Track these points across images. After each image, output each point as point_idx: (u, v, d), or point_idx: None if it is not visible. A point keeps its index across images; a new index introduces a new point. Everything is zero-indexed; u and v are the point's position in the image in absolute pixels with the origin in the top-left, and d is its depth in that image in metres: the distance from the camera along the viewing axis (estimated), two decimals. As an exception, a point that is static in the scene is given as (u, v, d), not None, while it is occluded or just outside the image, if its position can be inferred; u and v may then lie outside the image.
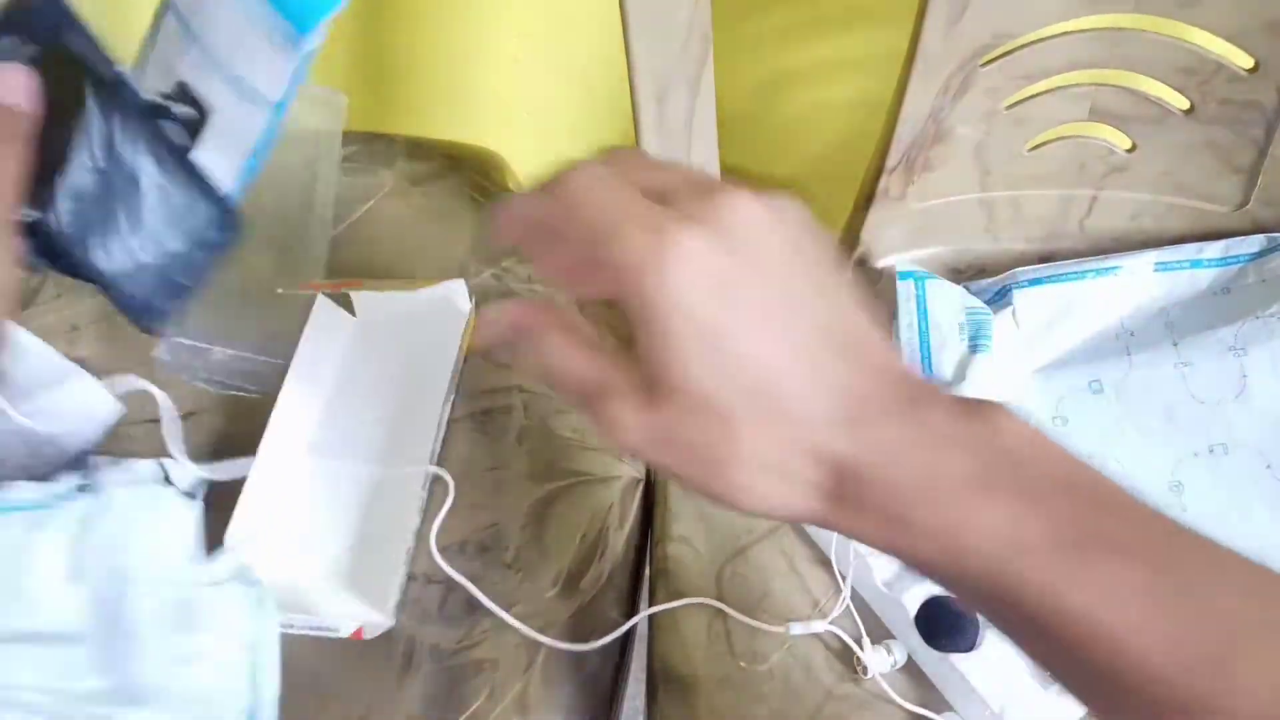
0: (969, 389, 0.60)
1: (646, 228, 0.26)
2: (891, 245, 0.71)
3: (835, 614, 0.53)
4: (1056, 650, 0.25)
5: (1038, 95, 0.64)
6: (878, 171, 0.67)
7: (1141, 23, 0.60)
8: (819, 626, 0.52)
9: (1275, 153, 0.63)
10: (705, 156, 0.58)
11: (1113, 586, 0.24)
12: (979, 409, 0.27)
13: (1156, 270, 0.64)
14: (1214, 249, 0.63)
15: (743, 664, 0.53)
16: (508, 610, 0.52)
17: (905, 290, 0.65)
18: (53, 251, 0.30)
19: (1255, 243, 0.63)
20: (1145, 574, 0.24)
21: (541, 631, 0.52)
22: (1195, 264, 0.63)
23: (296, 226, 0.64)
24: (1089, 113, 0.64)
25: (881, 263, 0.71)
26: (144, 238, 0.33)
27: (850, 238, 0.72)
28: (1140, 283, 0.64)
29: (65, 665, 0.40)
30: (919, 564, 0.27)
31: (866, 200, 0.69)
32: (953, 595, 0.28)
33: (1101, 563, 0.24)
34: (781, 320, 0.27)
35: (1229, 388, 0.59)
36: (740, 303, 0.26)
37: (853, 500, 0.27)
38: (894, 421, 0.27)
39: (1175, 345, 0.61)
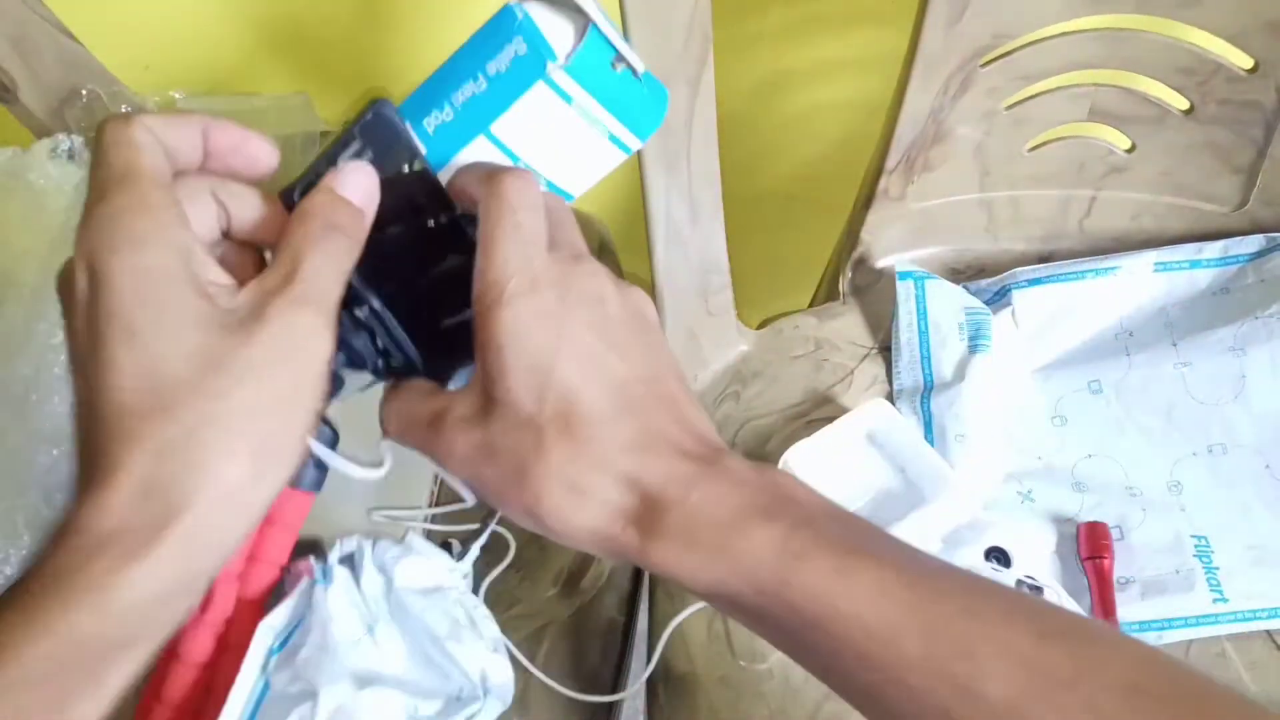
0: (969, 389, 0.60)
1: (523, 258, 0.31)
2: (891, 245, 0.71)
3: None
4: (833, 655, 0.28)
5: (1037, 95, 0.64)
6: (878, 171, 0.67)
7: (1141, 23, 0.60)
8: None
9: (1274, 153, 0.63)
10: (705, 156, 0.58)
11: (876, 591, 0.27)
12: (764, 465, 0.31)
13: (1156, 270, 0.64)
14: (1213, 249, 0.63)
15: (743, 663, 0.53)
16: (509, 609, 0.52)
17: (905, 290, 0.65)
18: (374, 342, 0.34)
19: (1254, 243, 0.63)
20: (901, 581, 0.27)
21: (542, 630, 0.52)
22: (1194, 264, 0.64)
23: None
24: (1088, 113, 0.64)
25: (881, 263, 0.71)
26: (453, 325, 0.35)
27: (850, 238, 0.72)
28: (1140, 283, 0.64)
29: (409, 697, 0.42)
30: (710, 587, 0.29)
31: (866, 200, 0.69)
32: (742, 621, 0.31)
33: (865, 571, 0.27)
34: (607, 365, 0.31)
35: (1228, 388, 0.59)
36: (573, 343, 0.30)
37: (651, 525, 0.29)
38: (692, 460, 0.30)
39: (1174, 345, 0.61)
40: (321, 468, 0.37)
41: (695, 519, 0.29)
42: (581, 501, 0.30)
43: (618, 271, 0.73)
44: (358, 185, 0.32)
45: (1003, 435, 0.61)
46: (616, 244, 0.64)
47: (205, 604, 0.39)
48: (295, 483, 0.37)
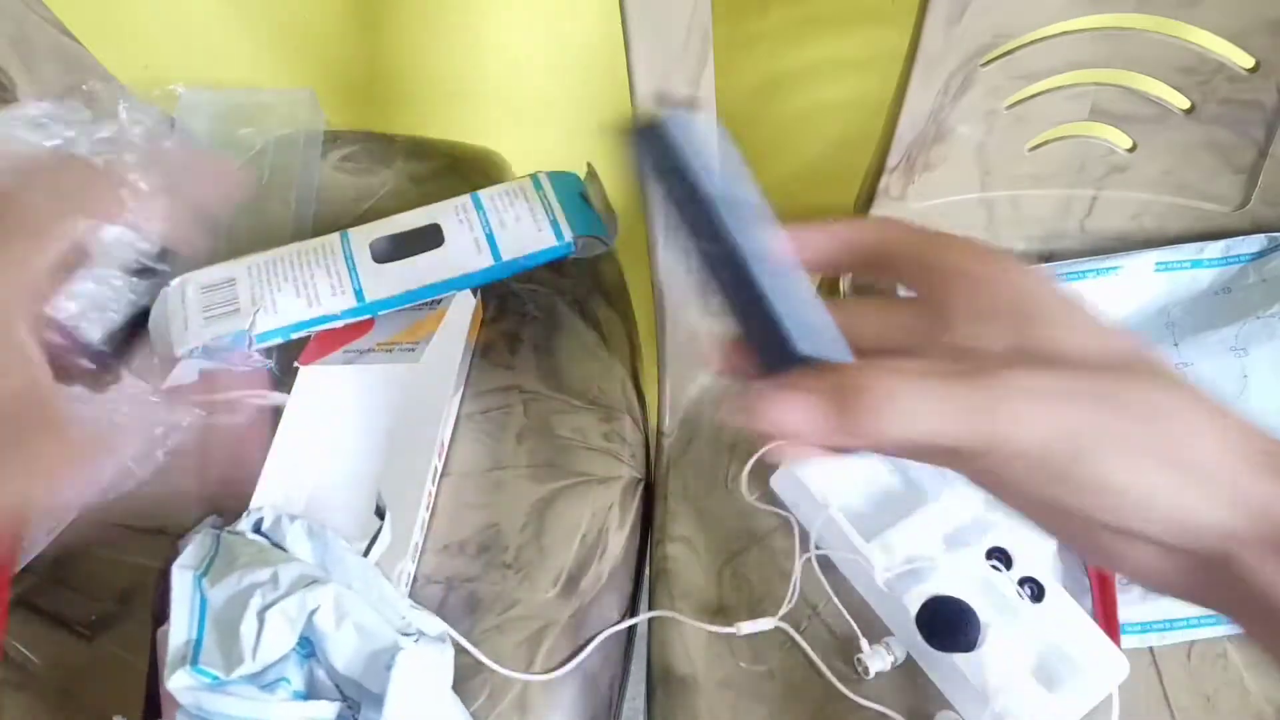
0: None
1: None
2: (892, 245, 0.71)
3: (783, 612, 0.53)
4: None
5: (1038, 95, 0.64)
6: (878, 171, 0.67)
7: (1142, 22, 0.60)
8: (767, 624, 0.52)
9: (1276, 152, 0.63)
10: (705, 156, 0.58)
11: None
12: None
13: (1157, 270, 0.64)
14: (1215, 249, 0.63)
15: (743, 664, 0.53)
16: (508, 611, 0.52)
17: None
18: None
19: (1256, 242, 0.63)
20: None
21: (542, 631, 0.52)
22: (1196, 264, 0.63)
23: (284, 223, 0.64)
24: (1089, 112, 0.64)
25: (882, 262, 0.71)
26: None
27: (850, 237, 0.72)
28: (1141, 282, 0.64)
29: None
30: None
31: (867, 200, 0.69)
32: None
33: None
34: None
35: (1230, 388, 0.59)
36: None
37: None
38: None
39: (1176, 345, 0.61)
40: None
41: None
42: (1201, 488, 0.25)
43: (613, 271, 0.73)
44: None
45: (1004, 435, 0.61)
46: (616, 244, 0.64)
47: None
48: None
